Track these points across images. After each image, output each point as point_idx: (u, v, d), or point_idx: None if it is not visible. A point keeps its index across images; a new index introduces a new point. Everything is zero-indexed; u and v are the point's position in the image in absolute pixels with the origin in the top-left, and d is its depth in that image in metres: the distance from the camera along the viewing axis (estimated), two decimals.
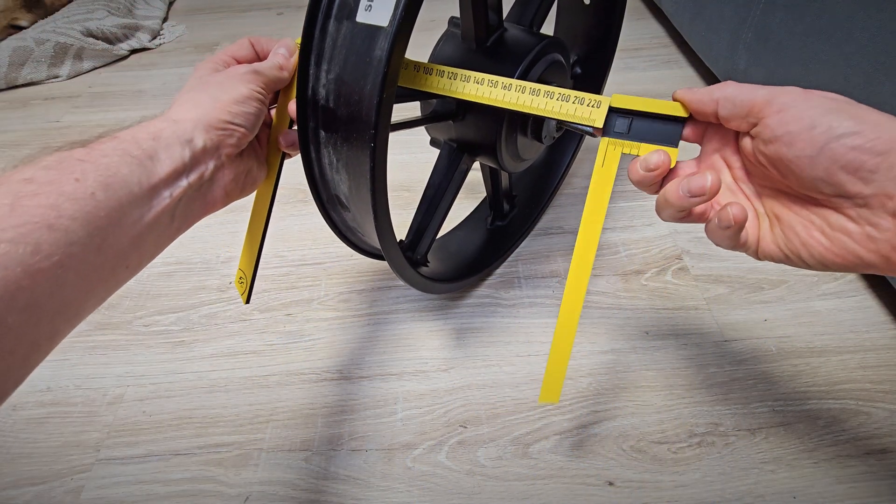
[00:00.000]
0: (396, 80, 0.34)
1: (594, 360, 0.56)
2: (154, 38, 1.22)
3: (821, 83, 0.61)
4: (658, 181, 0.33)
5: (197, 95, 0.33)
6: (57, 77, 1.09)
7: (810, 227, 0.29)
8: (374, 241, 0.42)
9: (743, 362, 0.55)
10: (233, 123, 0.33)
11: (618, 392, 0.53)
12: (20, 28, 1.14)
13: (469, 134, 0.49)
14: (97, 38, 1.13)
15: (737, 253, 0.66)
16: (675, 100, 0.33)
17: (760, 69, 0.73)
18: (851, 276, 0.62)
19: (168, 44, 1.21)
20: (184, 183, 0.31)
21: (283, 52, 0.38)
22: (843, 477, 0.46)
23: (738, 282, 0.63)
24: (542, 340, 0.58)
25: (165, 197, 0.30)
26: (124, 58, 1.16)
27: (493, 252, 0.65)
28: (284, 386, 0.55)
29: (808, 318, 0.59)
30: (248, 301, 0.43)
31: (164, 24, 1.28)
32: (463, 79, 0.38)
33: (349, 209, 0.42)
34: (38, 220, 0.22)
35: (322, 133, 0.37)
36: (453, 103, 0.47)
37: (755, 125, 0.29)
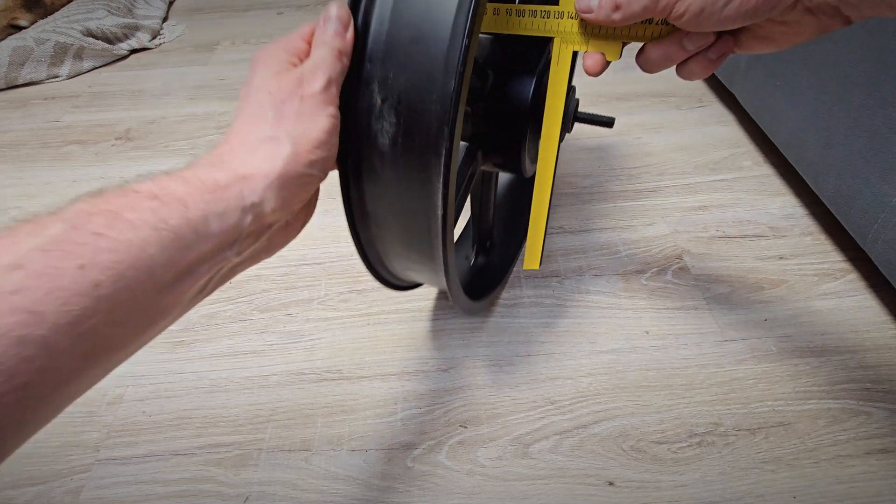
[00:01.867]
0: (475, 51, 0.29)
1: (594, 359, 0.56)
2: (154, 37, 1.22)
3: (822, 82, 0.61)
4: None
5: (271, 135, 0.25)
6: (57, 77, 1.09)
7: None
8: (407, 272, 0.40)
9: (743, 362, 0.55)
10: (314, 174, 0.26)
11: (618, 392, 0.53)
12: (20, 28, 1.14)
13: (490, 125, 0.43)
14: (97, 38, 1.13)
15: (737, 253, 0.66)
16: None
17: (761, 69, 0.73)
18: (852, 276, 0.62)
19: (168, 43, 1.21)
20: (230, 255, 0.24)
21: (336, 28, 0.28)
22: (844, 477, 0.46)
23: (739, 281, 0.62)
24: (542, 340, 0.58)
25: (201, 274, 0.23)
26: (124, 57, 1.16)
27: (482, 292, 0.58)
28: (284, 386, 0.55)
29: (808, 317, 0.58)
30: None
31: (164, 24, 1.28)
32: (556, 15, 0.34)
33: (384, 227, 0.36)
34: (4, 332, 0.17)
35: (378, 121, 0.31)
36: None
37: None
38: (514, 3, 0.36)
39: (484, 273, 0.62)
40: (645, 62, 0.33)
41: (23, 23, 1.15)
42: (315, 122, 0.26)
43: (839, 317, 0.58)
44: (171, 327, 0.63)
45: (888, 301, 0.59)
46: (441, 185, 0.31)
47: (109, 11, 1.19)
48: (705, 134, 0.84)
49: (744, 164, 0.79)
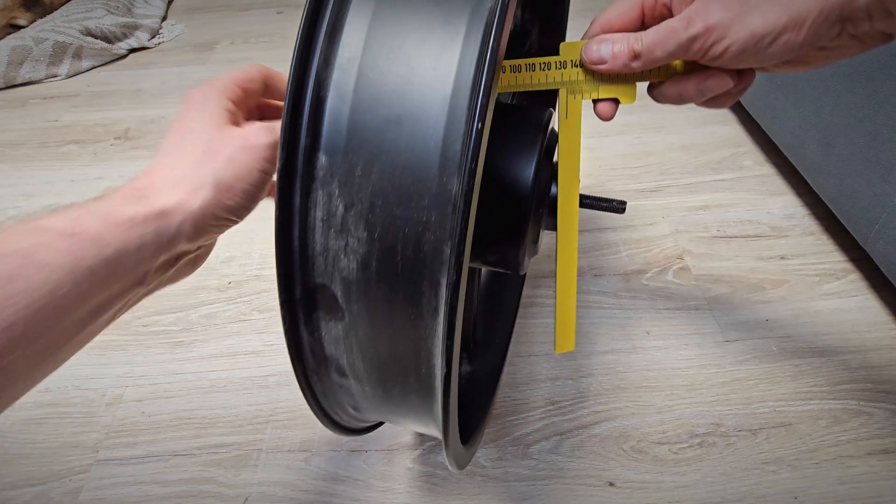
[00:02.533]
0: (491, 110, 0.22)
1: (595, 360, 0.56)
2: (153, 36, 1.22)
3: (823, 82, 0.61)
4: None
5: (196, 174, 0.25)
6: (56, 76, 1.09)
7: None
8: (381, 419, 0.34)
9: (744, 362, 0.55)
10: (231, 219, 0.26)
11: (618, 392, 0.53)
12: (19, 27, 1.14)
13: (481, 217, 0.33)
14: (96, 37, 1.12)
15: (738, 253, 0.66)
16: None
17: None
18: (853, 276, 0.62)
19: (167, 43, 1.21)
20: (140, 289, 0.25)
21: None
22: (845, 477, 0.46)
23: (740, 281, 0.62)
24: (542, 340, 0.58)
25: (112, 306, 0.24)
26: (123, 57, 1.16)
27: (475, 409, 0.46)
28: (284, 386, 0.55)
29: (809, 317, 0.58)
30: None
31: (164, 23, 1.28)
32: (558, 65, 0.30)
33: (354, 378, 0.28)
34: None
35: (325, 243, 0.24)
36: None
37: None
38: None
39: (471, 386, 0.48)
40: (659, 95, 0.31)
41: (21, 22, 1.14)
42: (250, 171, 0.26)
43: (840, 317, 0.58)
44: (170, 328, 0.62)
45: (890, 301, 0.59)
46: (442, 325, 0.23)
47: (108, 10, 1.19)
48: (706, 133, 0.84)
49: (745, 163, 0.78)
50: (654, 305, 0.61)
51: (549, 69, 0.30)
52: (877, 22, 0.24)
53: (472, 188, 0.20)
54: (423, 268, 0.22)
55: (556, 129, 0.33)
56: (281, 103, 0.28)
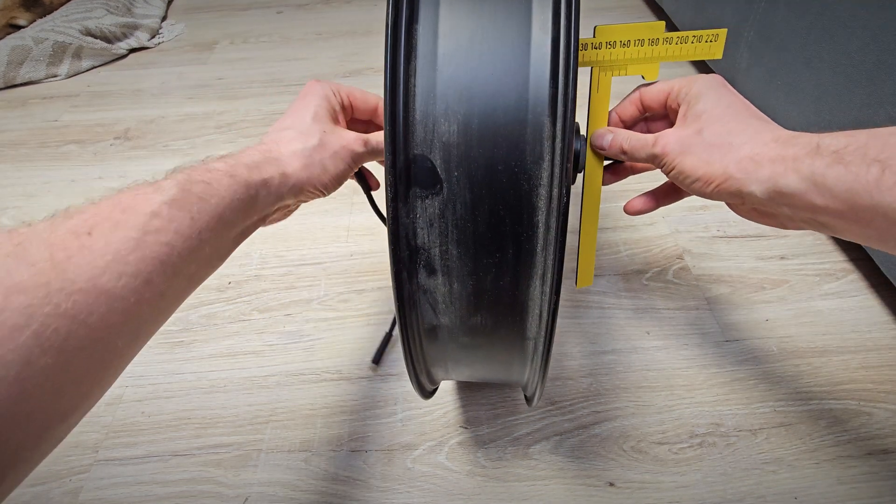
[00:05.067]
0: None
1: (595, 360, 0.56)
2: (153, 36, 1.22)
3: (823, 82, 0.61)
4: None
5: (310, 154, 0.35)
6: (55, 76, 1.09)
7: None
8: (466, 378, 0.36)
9: (744, 362, 0.55)
10: (322, 192, 0.36)
11: (618, 392, 0.53)
12: (19, 27, 1.14)
13: None
14: (96, 37, 1.12)
15: (738, 253, 0.66)
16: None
17: (762, 68, 0.73)
18: (853, 276, 0.62)
19: (167, 42, 1.21)
20: (262, 221, 0.34)
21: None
22: (845, 478, 0.46)
23: (740, 281, 0.62)
24: None
25: (247, 232, 0.33)
26: (123, 57, 1.16)
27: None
28: (284, 386, 0.55)
29: (809, 317, 0.58)
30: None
31: (163, 23, 1.28)
32: (594, 46, 0.34)
33: (444, 274, 0.30)
34: (154, 257, 0.24)
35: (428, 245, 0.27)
36: None
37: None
38: None
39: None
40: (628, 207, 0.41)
41: (21, 22, 1.14)
42: (344, 164, 0.36)
43: (840, 317, 0.58)
44: (170, 328, 0.62)
45: (889, 301, 0.59)
46: (548, 170, 0.26)
47: (108, 10, 1.19)
48: None
49: None
50: (654, 305, 0.60)
51: (585, 49, 0.34)
52: (776, 209, 0.29)
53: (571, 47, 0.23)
54: (526, 114, 0.25)
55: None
56: (378, 130, 0.40)
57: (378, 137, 0.38)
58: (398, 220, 0.28)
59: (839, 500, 0.45)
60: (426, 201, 0.27)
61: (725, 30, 0.35)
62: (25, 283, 0.20)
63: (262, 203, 0.32)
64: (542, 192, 0.26)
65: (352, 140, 0.37)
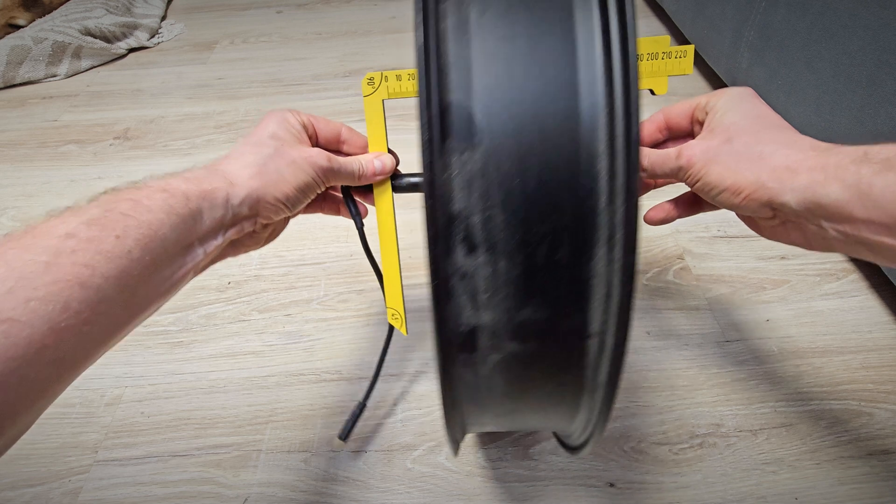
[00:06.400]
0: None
1: None
2: (152, 36, 1.22)
3: (823, 82, 0.61)
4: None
5: (264, 162, 0.32)
6: (55, 76, 1.08)
7: None
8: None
9: (745, 363, 0.55)
10: (284, 205, 0.33)
11: (619, 393, 0.53)
12: (18, 27, 1.14)
13: None
14: (95, 37, 1.12)
15: (739, 253, 0.66)
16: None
17: (763, 68, 0.73)
18: (854, 276, 0.62)
19: (167, 42, 1.21)
20: (219, 241, 0.31)
21: (376, 167, 0.36)
22: (846, 478, 0.46)
23: (740, 282, 0.62)
24: None
25: (199, 254, 0.29)
26: (123, 56, 1.16)
27: None
28: (283, 387, 0.55)
29: (810, 318, 0.58)
30: (407, 332, 0.41)
31: (163, 23, 1.28)
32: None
33: (487, 250, 0.24)
34: (70, 279, 0.22)
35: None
36: None
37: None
38: None
39: None
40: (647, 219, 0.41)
41: (21, 21, 1.14)
42: (305, 174, 0.33)
43: (841, 317, 0.58)
44: (170, 328, 0.62)
45: (890, 301, 0.59)
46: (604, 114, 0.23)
47: (108, 10, 1.19)
48: None
49: None
50: (654, 305, 0.60)
51: None
52: (809, 224, 0.27)
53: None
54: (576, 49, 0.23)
55: None
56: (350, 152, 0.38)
57: (346, 159, 0.36)
58: (434, 176, 0.23)
59: (840, 500, 0.45)
60: (464, 155, 0.23)
61: (693, 46, 0.35)
62: None
63: (208, 217, 0.29)
64: (601, 134, 0.22)
65: (314, 153, 0.34)
